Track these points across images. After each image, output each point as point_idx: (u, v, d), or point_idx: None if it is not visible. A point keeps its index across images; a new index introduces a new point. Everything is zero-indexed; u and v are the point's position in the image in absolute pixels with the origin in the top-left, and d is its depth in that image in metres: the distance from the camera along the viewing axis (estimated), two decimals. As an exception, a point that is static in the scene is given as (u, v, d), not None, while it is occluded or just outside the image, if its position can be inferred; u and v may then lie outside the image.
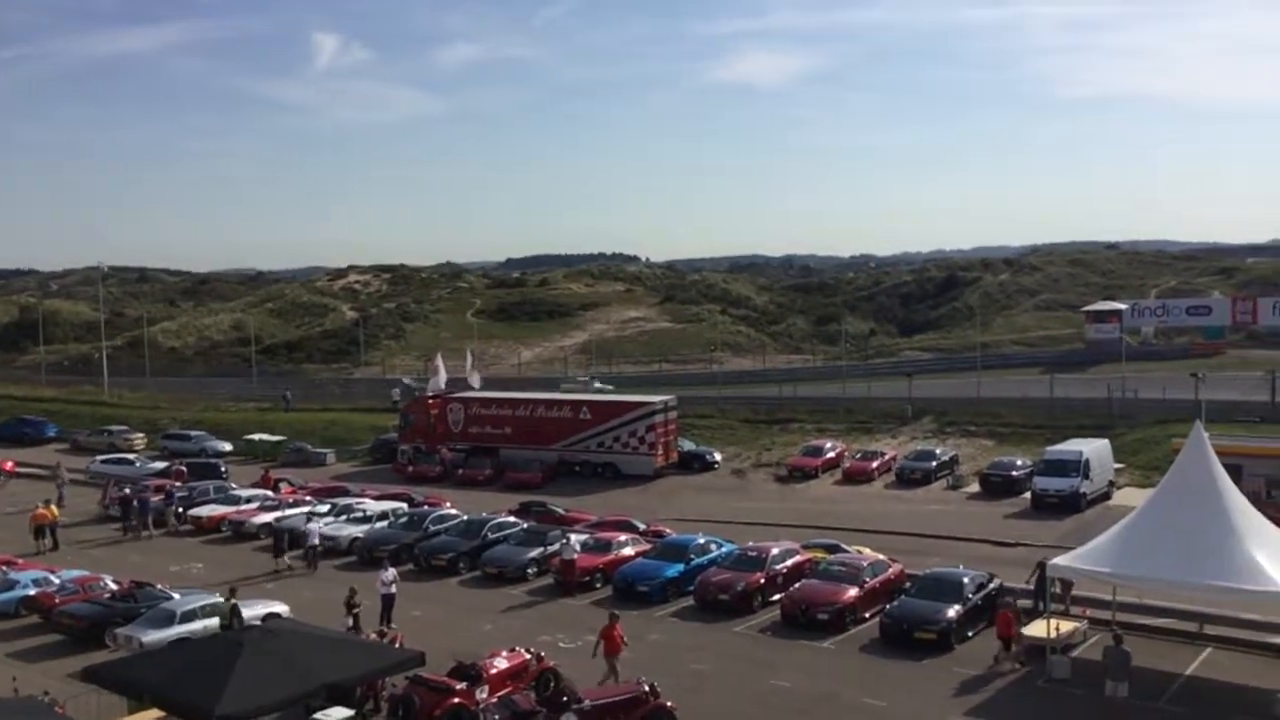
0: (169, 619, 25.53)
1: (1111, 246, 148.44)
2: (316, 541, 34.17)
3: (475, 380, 58.41)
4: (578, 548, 31.71)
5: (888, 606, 26.67)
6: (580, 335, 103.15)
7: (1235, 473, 26.42)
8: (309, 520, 35.96)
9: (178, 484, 44.75)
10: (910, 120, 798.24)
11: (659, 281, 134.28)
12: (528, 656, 22.08)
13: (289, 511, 39.12)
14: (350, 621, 25.02)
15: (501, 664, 21.59)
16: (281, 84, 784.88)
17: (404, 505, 40.24)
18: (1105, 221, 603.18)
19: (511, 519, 36.73)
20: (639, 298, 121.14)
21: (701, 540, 32.18)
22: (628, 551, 32.23)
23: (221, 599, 26.58)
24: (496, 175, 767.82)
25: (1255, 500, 27.25)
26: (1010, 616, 24.19)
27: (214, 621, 25.46)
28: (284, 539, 34.81)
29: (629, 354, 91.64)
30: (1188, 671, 23.58)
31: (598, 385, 64.57)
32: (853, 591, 27.34)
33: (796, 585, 28.34)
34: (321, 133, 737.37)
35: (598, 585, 30.90)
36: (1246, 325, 76.24)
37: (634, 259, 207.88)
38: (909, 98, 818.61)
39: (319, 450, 58.13)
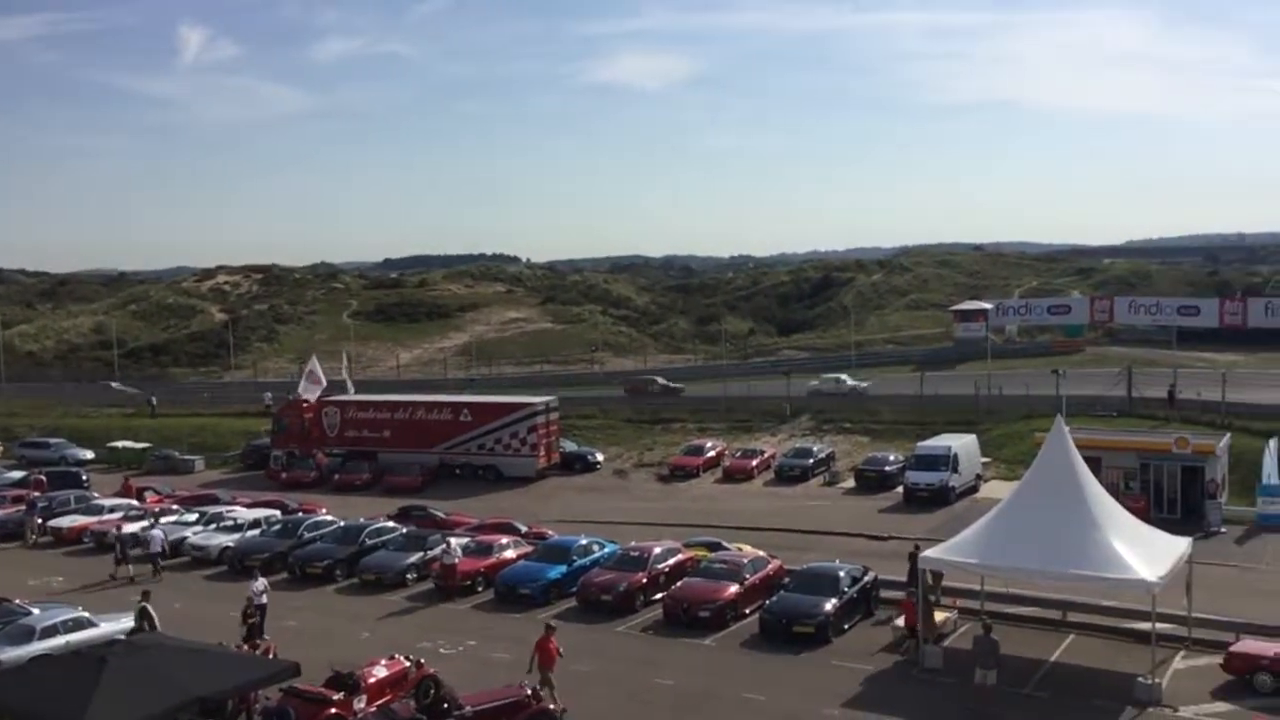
0: (28, 635, 24.28)
1: (977, 248, 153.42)
2: (159, 548, 33.17)
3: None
4: (459, 552, 31.30)
5: (767, 602, 27.05)
6: (460, 337, 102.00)
7: (1095, 465, 27.64)
8: (151, 526, 34.91)
9: (37, 494, 42.71)
10: (787, 124, 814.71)
11: (540, 282, 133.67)
12: (407, 664, 21.71)
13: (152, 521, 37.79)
14: (244, 632, 24.29)
15: (380, 672, 21.18)
16: (147, 79, 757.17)
17: (277, 512, 39.17)
18: (971, 223, 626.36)
19: (390, 524, 36.05)
20: (520, 298, 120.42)
21: (584, 541, 32.09)
22: (510, 554, 31.94)
23: (82, 611, 25.51)
24: (373, 174, 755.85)
25: (1113, 491, 28.55)
26: (914, 606, 24.86)
27: (76, 636, 24.39)
28: (126, 546, 33.63)
29: (510, 355, 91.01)
30: (1052, 658, 24.50)
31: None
32: (733, 588, 27.65)
33: (678, 584, 28.51)
34: (189, 129, 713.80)
35: (479, 589, 30.54)
36: (1104, 324, 79.59)
37: (514, 260, 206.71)
38: (785, 101, 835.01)
39: (187, 457, 56.26)
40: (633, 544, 31.63)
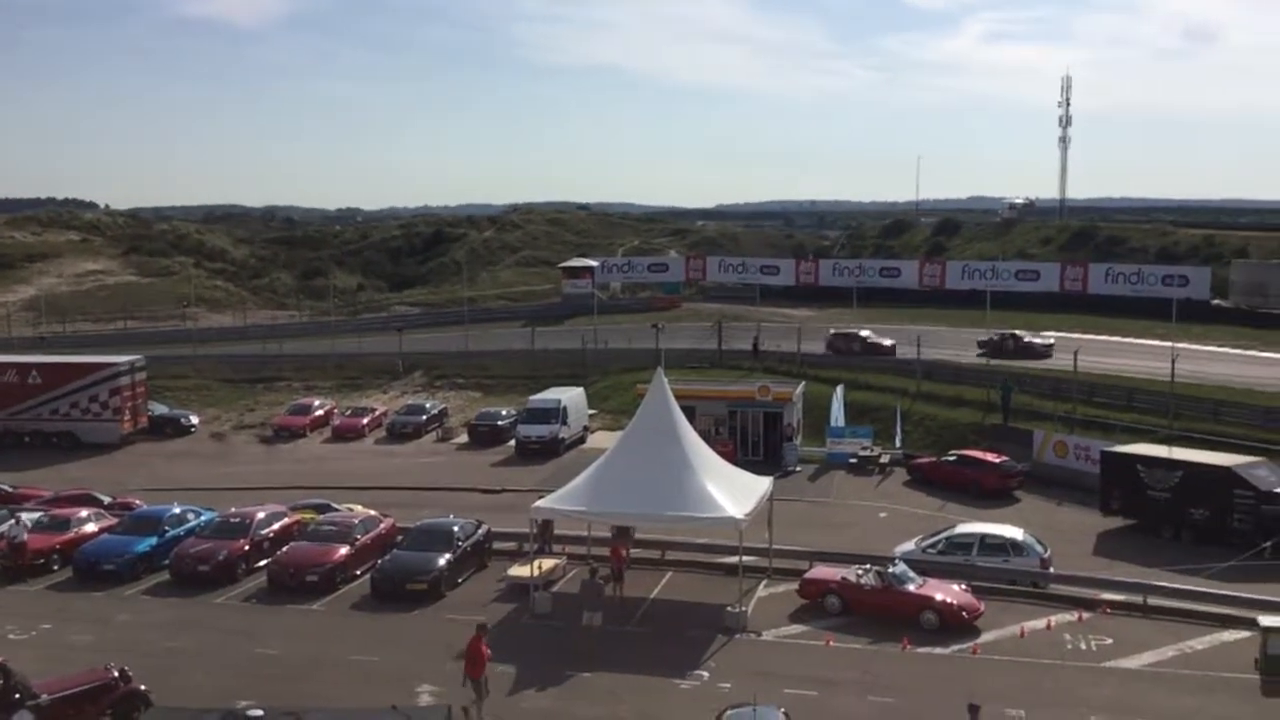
0: None
1: (584, 207, 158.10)
2: None
3: None
4: (28, 526, 28.42)
5: (379, 562, 26.67)
6: (26, 290, 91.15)
7: (690, 413, 29.46)
8: None
9: None
10: (397, 76, 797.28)
11: (121, 231, 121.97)
12: (-34, 656, 19.21)
13: None
14: None
15: (-69, 668, 18.57)
16: None
17: None
18: (579, 184, 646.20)
19: (-58, 501, 31.85)
20: (98, 248, 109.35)
21: (177, 510, 30.15)
22: (90, 528, 29.50)
23: None
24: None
25: (706, 437, 30.65)
26: (622, 552, 26.00)
27: None
28: None
29: (87, 311, 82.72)
30: (652, 595, 26.05)
31: None
32: (343, 550, 27.00)
33: (284, 549, 27.44)
34: None
35: (55, 568, 27.99)
36: (698, 281, 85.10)
37: (91, 205, 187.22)
38: (397, 52, 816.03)
39: None
40: (233, 510, 30.08)
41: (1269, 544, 27.33)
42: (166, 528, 28.87)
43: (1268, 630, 21.16)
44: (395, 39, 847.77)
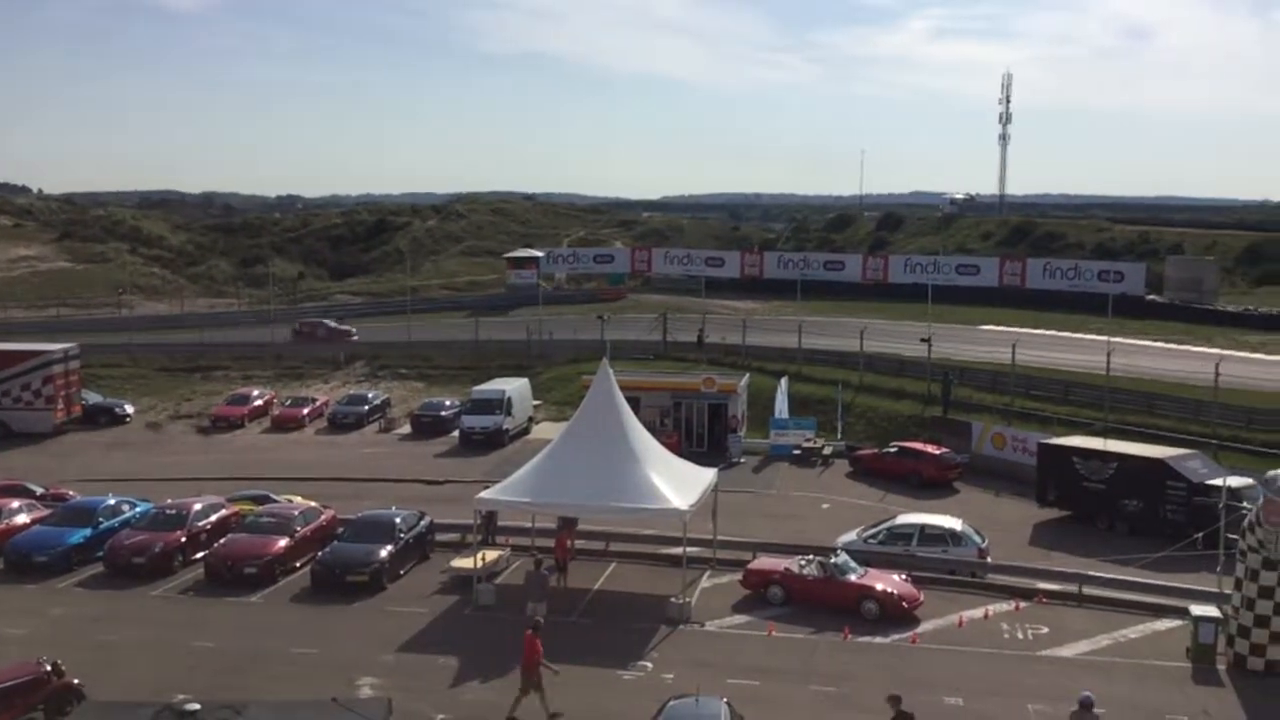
0: None
1: (529, 197, 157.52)
2: None
3: None
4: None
5: (319, 554, 26.38)
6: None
7: (635, 404, 29.51)
8: None
9: None
10: (338, 60, 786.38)
11: (55, 216, 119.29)
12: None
13: None
14: None
15: None
16: None
17: None
18: (524, 173, 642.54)
19: None
20: (30, 234, 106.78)
21: (112, 501, 29.62)
22: (21, 519, 28.85)
23: None
24: None
25: (651, 428, 30.62)
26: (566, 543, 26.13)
27: None
28: None
29: (19, 298, 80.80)
30: (596, 586, 26.02)
31: None
32: (283, 542, 26.69)
33: (222, 541, 27.04)
34: None
35: (-16, 560, 27.22)
36: (643, 273, 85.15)
37: (23, 190, 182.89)
38: (337, 37, 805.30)
39: None
40: (169, 501, 29.61)
41: (1200, 535, 27.92)
42: (100, 519, 28.32)
43: (1199, 619, 21.73)
44: (336, 24, 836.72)
